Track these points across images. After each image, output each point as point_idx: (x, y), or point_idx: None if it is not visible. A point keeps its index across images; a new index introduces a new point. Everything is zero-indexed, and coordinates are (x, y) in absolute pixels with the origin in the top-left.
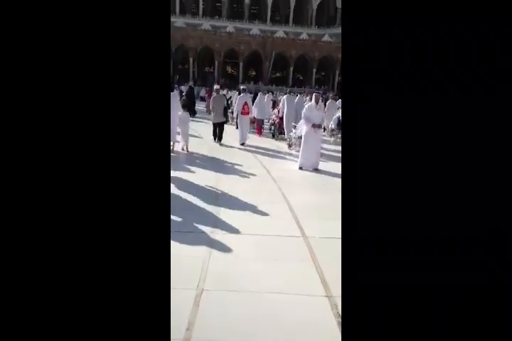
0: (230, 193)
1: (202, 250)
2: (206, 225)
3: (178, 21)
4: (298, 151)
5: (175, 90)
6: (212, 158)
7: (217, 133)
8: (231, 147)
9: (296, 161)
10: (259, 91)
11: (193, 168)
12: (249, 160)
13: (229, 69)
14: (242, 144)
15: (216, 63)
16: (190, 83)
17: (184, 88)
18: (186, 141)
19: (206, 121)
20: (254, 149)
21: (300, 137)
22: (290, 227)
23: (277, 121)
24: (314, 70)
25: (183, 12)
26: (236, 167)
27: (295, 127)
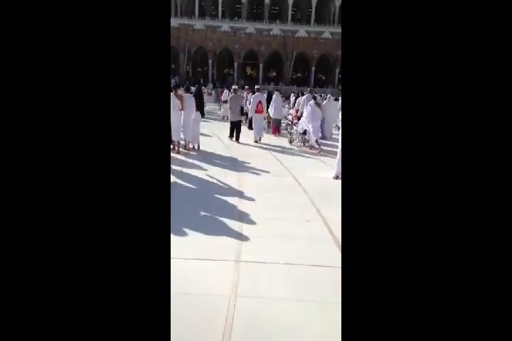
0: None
1: (225, 287)
2: (228, 252)
3: (197, 24)
4: (299, 147)
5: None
6: (231, 158)
7: (235, 132)
8: (247, 145)
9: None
10: (277, 90)
11: (213, 168)
12: (268, 160)
13: (248, 70)
14: (256, 141)
15: (235, 65)
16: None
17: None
18: (197, 141)
19: (212, 121)
20: (270, 147)
21: (303, 133)
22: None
23: (295, 121)
24: (337, 70)
25: (202, 14)
26: (253, 165)
27: (296, 124)
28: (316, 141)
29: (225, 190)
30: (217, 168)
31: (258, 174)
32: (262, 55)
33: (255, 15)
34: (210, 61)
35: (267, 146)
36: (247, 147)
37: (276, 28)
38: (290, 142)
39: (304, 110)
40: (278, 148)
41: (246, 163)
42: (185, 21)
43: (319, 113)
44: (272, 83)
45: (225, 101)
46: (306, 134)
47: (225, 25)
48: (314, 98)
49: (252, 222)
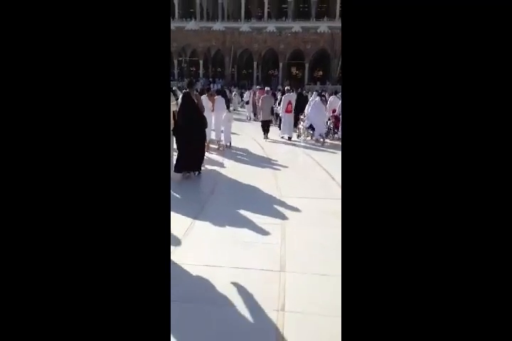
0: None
1: None
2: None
3: (243, 26)
4: (305, 141)
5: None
6: (262, 154)
7: (265, 130)
8: (275, 142)
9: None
10: (321, 96)
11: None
12: (299, 156)
13: (293, 70)
14: (289, 138)
15: (280, 65)
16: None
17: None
18: (229, 140)
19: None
20: (297, 144)
21: (309, 127)
22: None
23: (333, 120)
24: None
25: (248, 17)
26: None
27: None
28: (321, 135)
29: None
30: (248, 164)
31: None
32: (308, 54)
33: (302, 14)
34: (255, 63)
35: (295, 143)
36: (275, 144)
37: (323, 26)
38: (298, 136)
39: (308, 106)
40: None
41: (274, 159)
42: (232, 24)
43: (324, 109)
44: (318, 83)
45: (247, 102)
46: (312, 129)
47: (271, 26)
48: (320, 95)
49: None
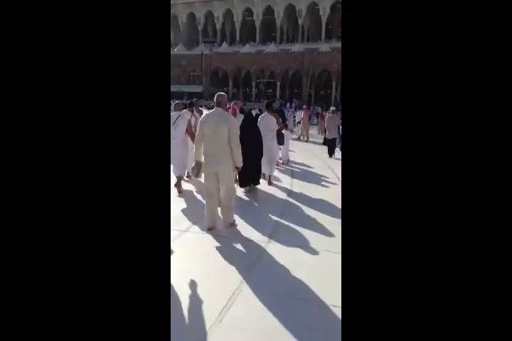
0: None
1: None
2: None
3: (322, 47)
4: None
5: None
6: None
7: (330, 148)
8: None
9: None
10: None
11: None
12: None
13: None
14: None
15: None
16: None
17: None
18: (287, 156)
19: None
20: None
21: None
22: None
23: None
24: None
25: (328, 37)
26: None
27: None
28: None
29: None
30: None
31: None
32: None
33: None
34: (333, 83)
35: None
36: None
37: None
38: None
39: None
40: None
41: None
42: (311, 46)
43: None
44: None
45: (299, 122)
46: None
47: None
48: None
49: None
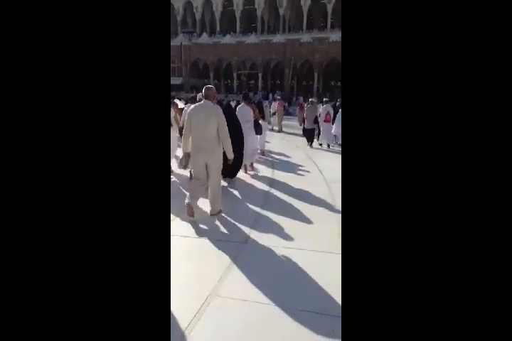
0: None
1: None
2: None
3: (304, 37)
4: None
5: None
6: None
7: (309, 138)
8: (318, 149)
9: None
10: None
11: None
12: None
13: None
14: (328, 146)
15: None
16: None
17: (233, 103)
18: (263, 146)
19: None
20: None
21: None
22: None
23: None
24: None
25: (310, 28)
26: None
27: None
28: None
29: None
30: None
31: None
32: None
33: None
34: (316, 74)
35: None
36: (317, 150)
37: None
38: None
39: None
40: None
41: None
42: (293, 36)
43: None
44: None
45: (274, 113)
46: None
47: (334, 36)
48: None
49: None
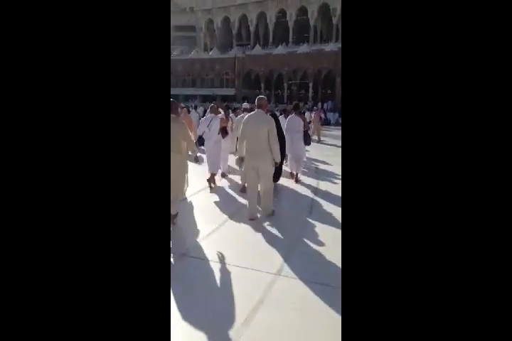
0: None
1: None
2: None
3: (327, 46)
4: None
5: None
6: None
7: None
8: None
9: None
10: None
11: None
12: None
13: None
14: None
15: None
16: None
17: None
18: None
19: None
20: None
21: None
22: None
23: None
24: None
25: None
26: None
27: None
28: None
29: None
30: None
31: None
32: None
33: None
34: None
35: None
36: None
37: None
38: None
39: None
40: None
41: None
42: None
43: None
44: None
45: (310, 122)
46: None
47: None
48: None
49: None
